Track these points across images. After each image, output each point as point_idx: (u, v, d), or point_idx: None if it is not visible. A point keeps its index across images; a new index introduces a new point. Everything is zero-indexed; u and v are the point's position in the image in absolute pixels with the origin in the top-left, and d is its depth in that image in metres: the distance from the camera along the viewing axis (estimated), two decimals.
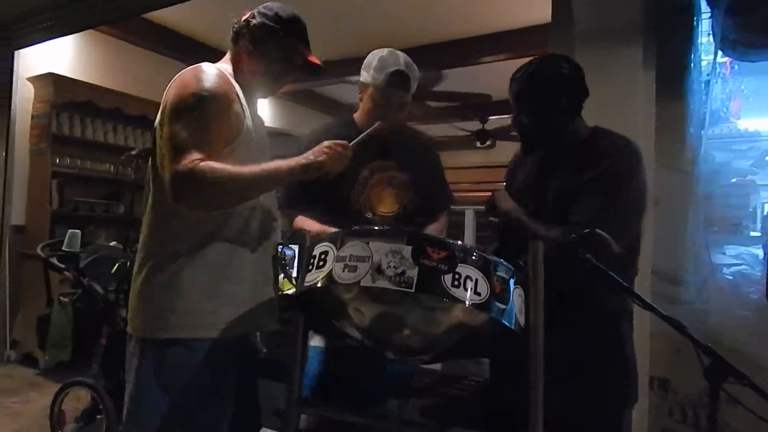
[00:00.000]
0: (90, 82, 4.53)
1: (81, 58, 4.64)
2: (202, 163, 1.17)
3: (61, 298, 3.01)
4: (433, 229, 1.79)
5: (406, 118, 1.82)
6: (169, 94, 1.28)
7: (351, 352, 1.43)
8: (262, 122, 1.48)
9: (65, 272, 2.76)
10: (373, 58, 1.71)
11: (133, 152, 2.88)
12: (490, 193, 1.61)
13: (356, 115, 1.83)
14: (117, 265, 2.67)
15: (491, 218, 1.58)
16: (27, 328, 3.88)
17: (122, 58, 4.88)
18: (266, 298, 1.40)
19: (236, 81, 1.37)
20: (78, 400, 2.60)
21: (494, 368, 1.63)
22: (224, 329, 1.29)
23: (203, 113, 1.23)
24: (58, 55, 4.45)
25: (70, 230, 2.93)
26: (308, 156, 1.31)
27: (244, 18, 1.41)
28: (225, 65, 1.40)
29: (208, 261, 1.29)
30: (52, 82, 4.21)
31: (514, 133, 1.58)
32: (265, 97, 1.50)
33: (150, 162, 1.38)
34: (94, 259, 2.89)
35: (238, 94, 1.33)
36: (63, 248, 2.85)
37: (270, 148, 1.48)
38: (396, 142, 1.77)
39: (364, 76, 1.73)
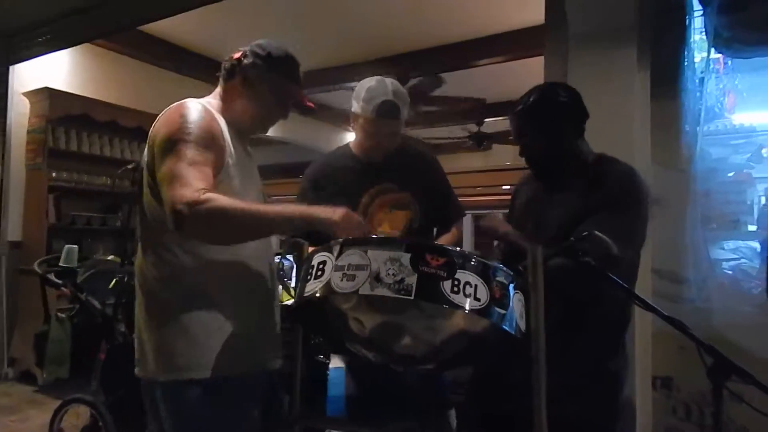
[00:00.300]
0: (85, 95, 4.54)
1: (76, 71, 4.65)
2: (209, 194, 1.14)
3: (59, 314, 2.99)
4: (445, 241, 1.80)
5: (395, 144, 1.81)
6: (156, 132, 1.26)
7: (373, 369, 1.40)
8: (250, 159, 1.44)
9: (63, 288, 2.75)
10: (362, 88, 1.72)
11: (130, 166, 2.88)
12: (489, 198, 1.62)
13: (352, 144, 1.84)
14: (115, 279, 2.66)
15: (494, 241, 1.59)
16: (25, 345, 3.87)
17: (117, 70, 4.89)
18: (272, 330, 1.40)
19: (224, 117, 1.34)
20: (77, 417, 2.59)
21: (475, 373, 1.62)
22: (222, 367, 1.26)
23: (195, 144, 1.21)
24: (53, 69, 4.46)
25: (67, 245, 2.92)
26: (328, 211, 1.27)
27: (236, 56, 1.38)
28: (212, 100, 1.38)
29: (214, 299, 1.27)
30: (47, 96, 4.21)
31: (512, 137, 1.60)
32: (255, 135, 1.47)
33: (139, 204, 1.34)
34: (92, 273, 2.88)
35: (222, 130, 1.30)
36: (60, 264, 2.85)
37: (259, 186, 1.46)
38: (394, 162, 1.78)
39: (354, 106, 1.74)
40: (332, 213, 1.22)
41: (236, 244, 1.27)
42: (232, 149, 1.31)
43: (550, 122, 1.48)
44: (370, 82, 1.72)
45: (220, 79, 1.39)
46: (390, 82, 1.71)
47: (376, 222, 1.70)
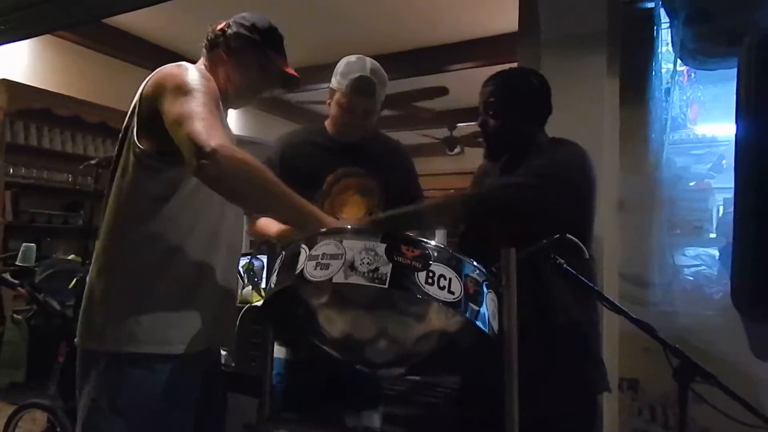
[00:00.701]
0: (47, 89, 4.38)
1: (37, 64, 4.48)
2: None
3: (15, 315, 2.88)
4: None
5: (376, 125, 1.82)
6: (159, 80, 1.22)
7: (314, 364, 1.40)
8: (231, 133, 1.43)
9: (19, 288, 2.64)
10: (341, 63, 1.72)
11: (93, 161, 2.79)
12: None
13: (327, 122, 1.82)
14: (75, 279, 2.57)
15: None
16: None
17: (80, 63, 4.74)
18: (231, 312, 1.37)
19: None
20: (34, 422, 2.49)
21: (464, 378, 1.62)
22: (190, 343, 1.24)
23: (213, 100, 1.19)
24: (12, 61, 4.29)
25: (24, 244, 2.81)
26: (336, 221, 1.26)
27: (219, 27, 1.39)
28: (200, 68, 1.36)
29: (176, 273, 1.24)
30: (5, 89, 4.06)
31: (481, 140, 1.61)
32: (237, 108, 1.47)
33: (113, 167, 1.31)
34: (51, 273, 2.77)
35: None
36: (16, 263, 2.74)
37: None
38: (366, 148, 1.77)
39: (333, 81, 1.73)
40: (343, 225, 1.23)
41: (246, 205, 1.25)
42: (225, 120, 1.32)
43: (519, 103, 1.49)
44: (349, 58, 1.72)
45: (204, 50, 1.40)
46: (369, 61, 1.71)
47: (338, 201, 1.68)
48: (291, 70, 1.43)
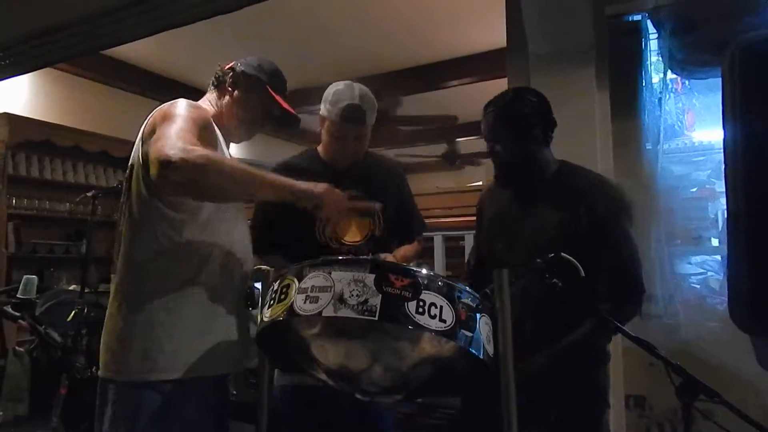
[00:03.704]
0: (47, 120, 4.43)
1: (37, 96, 4.55)
2: (195, 146, 1.16)
3: (17, 348, 2.87)
4: (406, 250, 1.79)
5: (368, 146, 1.82)
6: (154, 120, 1.29)
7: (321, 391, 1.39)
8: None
9: (21, 321, 2.63)
10: (329, 91, 1.74)
11: (90, 194, 2.81)
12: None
13: (319, 148, 1.83)
14: (74, 312, 2.56)
15: None
16: None
17: (79, 94, 4.80)
18: (248, 334, 1.40)
19: (213, 122, 1.41)
20: None
21: (465, 398, 1.60)
22: (208, 368, 1.28)
23: (192, 120, 1.26)
24: (12, 95, 4.35)
25: (25, 276, 2.81)
26: (310, 184, 1.30)
27: (228, 66, 1.50)
28: (203, 104, 1.46)
29: (192, 301, 1.28)
30: (6, 122, 4.10)
31: (481, 157, 1.61)
32: (237, 142, 1.54)
33: (125, 200, 1.36)
34: (52, 305, 2.77)
35: (213, 125, 1.38)
36: (18, 295, 2.73)
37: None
38: (360, 171, 1.78)
39: (322, 109, 1.75)
40: (314, 186, 1.29)
41: (219, 199, 1.29)
42: (225, 149, 1.40)
43: (524, 124, 1.48)
44: (337, 85, 1.74)
45: (210, 86, 1.51)
46: (358, 87, 1.72)
47: (340, 227, 1.67)
48: (291, 110, 1.52)
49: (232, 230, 1.37)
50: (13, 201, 4.19)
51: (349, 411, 1.52)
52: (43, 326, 2.62)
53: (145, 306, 1.26)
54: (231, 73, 1.47)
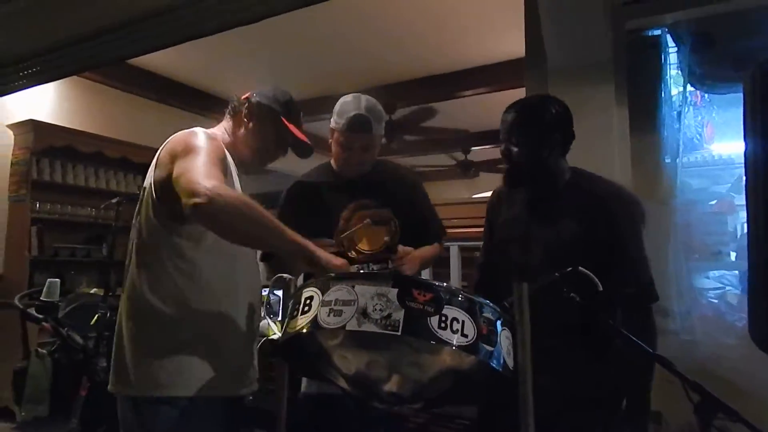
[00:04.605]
0: (70, 126, 4.52)
1: (61, 103, 4.64)
2: (226, 187, 1.21)
3: (39, 349, 2.92)
4: (425, 251, 1.81)
5: (382, 153, 1.85)
6: (171, 148, 1.32)
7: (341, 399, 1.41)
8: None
9: (43, 323, 2.69)
10: (338, 103, 1.78)
11: (114, 200, 2.88)
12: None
13: (331, 161, 1.87)
14: (97, 315, 2.61)
15: None
16: (3, 381, 3.73)
17: (102, 101, 4.89)
18: (250, 356, 1.43)
19: (227, 149, 1.43)
20: None
21: (482, 409, 1.61)
22: (214, 387, 1.29)
23: (215, 154, 1.30)
24: (38, 101, 4.45)
25: (49, 279, 2.87)
26: (330, 256, 1.33)
27: (244, 96, 1.53)
28: (218, 132, 1.49)
29: (200, 319, 1.31)
30: (32, 128, 4.19)
31: (498, 165, 1.62)
32: (251, 171, 1.56)
33: (137, 220, 1.39)
34: (74, 308, 2.82)
35: (227, 157, 1.40)
36: (41, 298, 2.79)
37: None
38: (372, 180, 1.81)
39: (331, 121, 1.79)
40: (333, 259, 1.31)
41: (240, 242, 1.31)
42: (236, 177, 1.43)
43: (542, 129, 1.48)
44: (346, 98, 1.78)
45: (227, 115, 1.54)
46: (365, 98, 1.76)
47: (355, 236, 1.71)
48: (305, 139, 1.55)
49: (237, 249, 1.37)
50: (37, 205, 4.28)
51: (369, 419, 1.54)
52: (66, 329, 2.67)
53: (150, 323, 1.30)
54: (246, 104, 1.50)
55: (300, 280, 1.33)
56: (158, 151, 1.37)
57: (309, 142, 1.55)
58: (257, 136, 1.49)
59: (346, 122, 1.71)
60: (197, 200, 1.15)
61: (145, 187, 1.38)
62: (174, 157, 1.30)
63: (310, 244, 1.29)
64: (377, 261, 1.72)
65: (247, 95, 1.53)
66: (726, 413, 1.03)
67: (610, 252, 1.39)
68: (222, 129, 1.52)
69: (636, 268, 1.43)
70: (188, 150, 1.28)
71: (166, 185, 1.29)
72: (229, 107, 1.53)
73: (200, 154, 1.26)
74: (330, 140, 1.81)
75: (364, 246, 1.73)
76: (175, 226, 1.31)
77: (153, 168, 1.36)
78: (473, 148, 7.24)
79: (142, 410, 1.27)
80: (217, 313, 1.33)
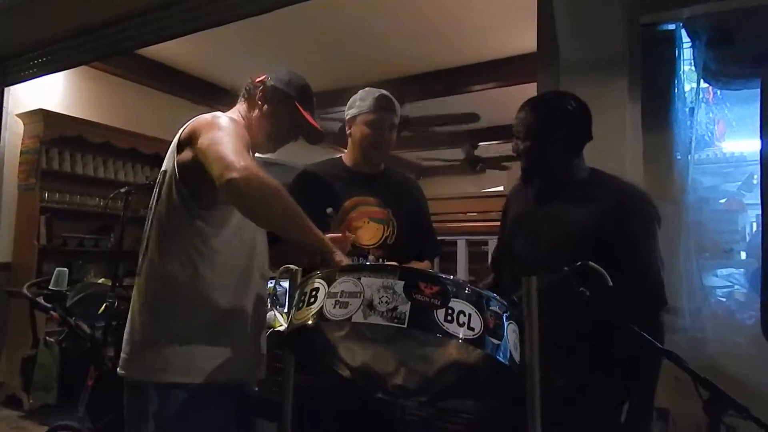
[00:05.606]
0: (79, 116, 4.54)
1: (71, 93, 4.66)
2: (259, 167, 1.20)
3: (47, 338, 2.94)
4: (417, 266, 1.80)
5: (391, 151, 1.85)
6: (192, 128, 1.32)
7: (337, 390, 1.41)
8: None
9: (52, 312, 2.71)
10: (355, 96, 1.81)
11: (123, 190, 2.89)
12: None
13: (344, 156, 1.87)
14: (105, 305, 2.62)
15: None
16: (11, 369, 3.78)
17: (111, 92, 4.91)
18: (259, 344, 1.44)
19: None
20: None
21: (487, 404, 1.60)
22: (225, 373, 1.31)
23: (239, 133, 1.30)
24: (48, 91, 4.47)
25: (57, 268, 2.89)
26: (340, 255, 1.29)
27: (258, 79, 1.53)
28: (235, 116, 1.47)
29: (212, 305, 1.31)
30: (42, 118, 4.21)
31: (504, 162, 1.61)
32: (263, 154, 1.57)
33: (155, 204, 1.39)
34: (82, 297, 2.83)
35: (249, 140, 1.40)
36: (50, 287, 2.81)
37: None
38: (382, 178, 1.84)
39: (351, 111, 1.80)
40: (346, 261, 1.28)
41: (264, 225, 1.32)
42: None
43: (555, 125, 1.47)
44: (360, 91, 1.82)
45: (241, 98, 1.54)
46: (379, 90, 1.80)
47: (352, 229, 1.71)
48: (318, 126, 1.55)
49: (255, 235, 1.40)
50: (46, 194, 4.31)
51: (372, 411, 1.54)
52: (73, 318, 2.69)
53: (165, 309, 1.30)
54: (261, 87, 1.50)
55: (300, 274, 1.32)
56: (178, 133, 1.36)
57: (321, 129, 1.56)
58: (270, 120, 1.49)
59: (374, 101, 1.74)
60: (234, 175, 1.15)
61: (165, 171, 1.37)
62: (197, 135, 1.29)
63: (329, 243, 1.27)
64: (375, 255, 1.73)
65: (261, 78, 1.53)
66: (736, 410, 1.02)
67: (623, 252, 1.37)
68: (237, 112, 1.51)
69: (646, 271, 1.41)
70: (216, 127, 1.28)
71: (192, 166, 1.29)
72: (244, 90, 1.53)
73: (229, 133, 1.27)
74: (348, 131, 1.81)
75: (364, 240, 1.75)
76: (199, 210, 1.31)
77: (174, 150, 1.36)
78: (481, 143, 7.20)
79: (152, 395, 1.27)
80: (231, 300, 1.34)
